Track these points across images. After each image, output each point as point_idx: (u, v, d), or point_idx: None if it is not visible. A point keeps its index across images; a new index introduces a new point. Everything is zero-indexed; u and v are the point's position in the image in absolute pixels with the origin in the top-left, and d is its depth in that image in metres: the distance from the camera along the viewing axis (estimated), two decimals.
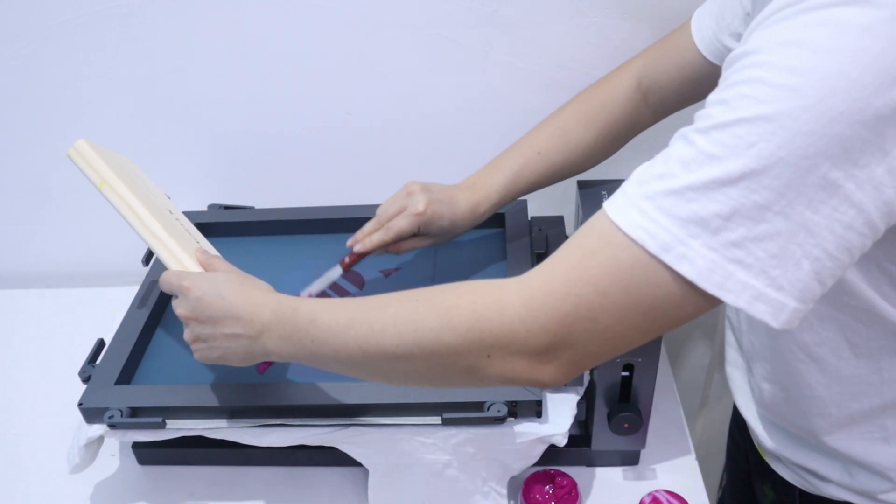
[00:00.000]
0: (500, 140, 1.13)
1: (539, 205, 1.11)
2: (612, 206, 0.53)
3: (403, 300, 0.61)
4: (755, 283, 0.48)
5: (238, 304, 0.68)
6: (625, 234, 0.51)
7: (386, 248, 0.89)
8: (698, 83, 0.84)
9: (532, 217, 1.04)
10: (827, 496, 0.77)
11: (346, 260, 0.89)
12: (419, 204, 0.86)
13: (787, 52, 0.47)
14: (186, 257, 0.77)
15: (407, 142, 1.16)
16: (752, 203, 0.47)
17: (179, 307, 0.72)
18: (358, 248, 0.88)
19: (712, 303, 0.50)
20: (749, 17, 0.76)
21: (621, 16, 1.02)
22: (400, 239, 0.88)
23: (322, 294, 0.90)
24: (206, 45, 1.07)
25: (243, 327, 0.67)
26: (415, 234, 0.88)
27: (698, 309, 0.51)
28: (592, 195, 0.96)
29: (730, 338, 0.88)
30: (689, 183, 0.49)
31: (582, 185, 0.98)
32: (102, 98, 1.12)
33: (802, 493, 0.80)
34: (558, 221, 1.03)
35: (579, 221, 0.97)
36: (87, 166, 0.82)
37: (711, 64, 0.82)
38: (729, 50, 0.79)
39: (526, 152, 0.90)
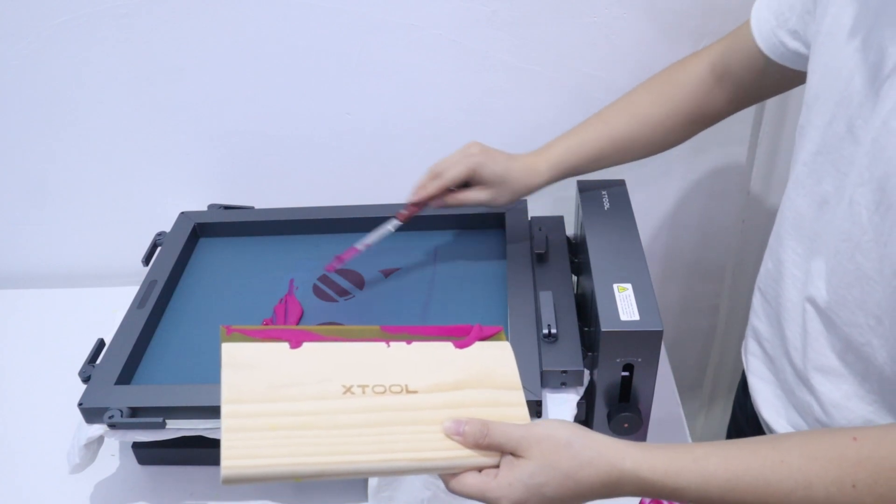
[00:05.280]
0: (500, 140, 1.13)
1: (539, 205, 1.11)
2: None
3: (833, 483, 0.54)
4: None
5: (583, 495, 0.59)
6: None
7: (442, 198, 0.88)
8: (763, 75, 0.82)
9: (532, 217, 1.04)
10: None
11: (404, 212, 0.90)
12: (472, 149, 0.87)
13: None
14: (457, 461, 0.61)
15: (407, 142, 1.16)
16: None
17: None
18: (413, 198, 0.88)
19: None
20: (810, 14, 0.73)
21: (622, 15, 1.02)
22: (455, 185, 0.87)
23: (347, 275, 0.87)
24: (205, 45, 1.07)
25: (592, 501, 0.61)
26: (469, 185, 0.87)
27: None
28: (592, 195, 0.96)
29: (754, 348, 0.85)
30: None
31: (582, 186, 0.98)
32: (102, 98, 1.12)
33: None
34: (558, 221, 1.03)
35: (579, 221, 0.97)
36: (259, 477, 0.58)
37: (769, 59, 0.79)
38: (785, 47, 0.77)
39: (592, 122, 0.90)
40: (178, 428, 0.83)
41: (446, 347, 0.70)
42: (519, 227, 1.01)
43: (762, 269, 0.82)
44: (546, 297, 0.87)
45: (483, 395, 0.66)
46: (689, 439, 0.93)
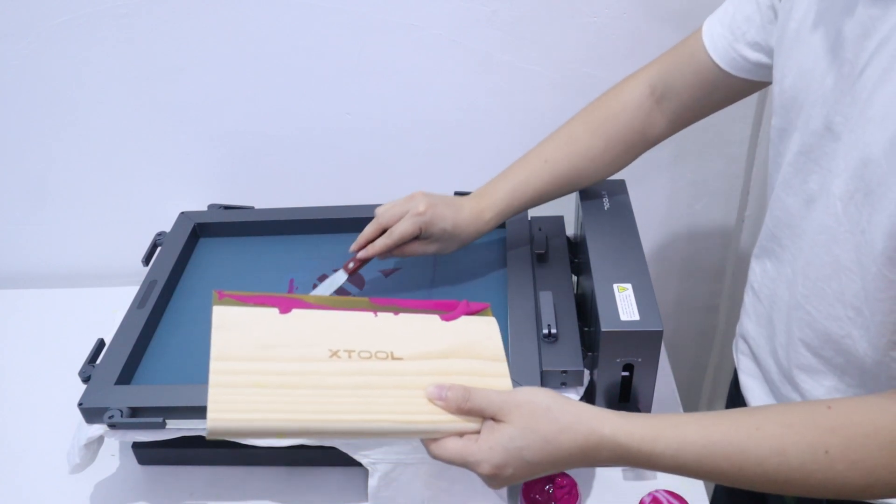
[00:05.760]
0: (499, 139, 1.14)
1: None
2: None
3: (807, 450, 0.55)
4: None
5: (561, 461, 0.60)
6: None
7: (390, 252, 0.88)
8: (714, 90, 0.82)
9: (532, 217, 1.04)
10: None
11: (350, 265, 0.91)
12: (420, 205, 0.86)
13: None
14: (439, 424, 0.62)
15: (407, 142, 1.16)
16: None
17: (489, 482, 0.62)
18: (362, 255, 0.89)
19: None
20: (771, 24, 0.74)
21: (622, 15, 1.02)
22: (403, 242, 0.87)
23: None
24: (205, 45, 1.07)
25: (574, 466, 0.62)
26: (418, 238, 0.87)
27: None
28: (592, 195, 0.96)
29: (744, 347, 0.86)
30: None
31: None
32: (102, 98, 1.12)
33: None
34: (558, 221, 1.03)
35: (579, 221, 0.97)
36: (243, 431, 0.60)
37: (727, 73, 0.79)
38: (746, 60, 0.77)
39: (533, 161, 0.90)
40: (178, 428, 0.83)
41: (433, 319, 0.71)
42: (519, 227, 1.01)
43: (757, 269, 0.82)
44: (546, 297, 0.87)
45: (467, 365, 0.66)
46: None
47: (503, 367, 0.67)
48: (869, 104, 0.58)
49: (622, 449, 0.59)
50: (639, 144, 0.89)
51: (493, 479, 0.61)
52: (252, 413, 0.59)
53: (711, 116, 0.92)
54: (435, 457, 0.62)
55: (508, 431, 0.60)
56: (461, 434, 0.62)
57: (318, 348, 0.64)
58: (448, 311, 0.72)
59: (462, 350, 0.68)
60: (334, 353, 0.64)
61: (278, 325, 0.66)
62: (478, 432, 0.62)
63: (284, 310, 0.67)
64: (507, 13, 1.03)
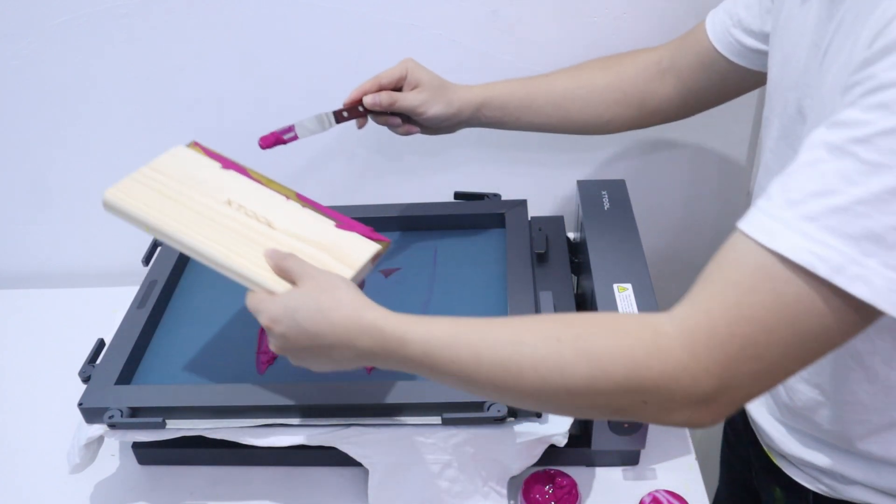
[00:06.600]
0: (499, 140, 1.13)
1: (539, 205, 1.12)
2: (764, 233, 0.50)
3: (541, 339, 0.57)
4: None
5: (326, 335, 0.63)
6: (788, 262, 0.48)
7: (378, 98, 0.89)
8: (713, 74, 0.84)
9: (532, 217, 1.04)
10: (847, 499, 0.75)
11: (340, 109, 0.93)
12: (407, 59, 0.91)
13: None
14: (254, 272, 0.71)
15: (407, 142, 1.15)
16: None
17: (270, 339, 0.68)
18: (348, 97, 0.91)
19: (873, 321, 0.49)
20: (769, 13, 0.75)
21: (621, 15, 1.02)
22: (390, 84, 0.89)
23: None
24: (205, 45, 1.07)
25: (341, 353, 0.64)
26: (408, 118, 0.90)
27: (861, 329, 0.50)
28: (592, 195, 0.96)
29: None
30: (857, 197, 0.46)
31: (582, 185, 0.98)
32: (102, 98, 1.12)
33: (817, 496, 0.78)
34: (558, 221, 1.03)
35: (579, 221, 0.97)
36: (124, 212, 0.75)
37: (725, 58, 0.82)
38: (741, 45, 0.79)
39: (534, 76, 0.93)
40: (178, 428, 0.83)
41: (327, 222, 0.80)
42: (519, 227, 1.01)
43: None
44: (546, 297, 0.87)
45: (320, 256, 0.75)
46: (689, 439, 0.93)
47: (349, 273, 0.74)
48: (824, 84, 0.59)
49: (378, 333, 0.62)
50: (637, 103, 0.90)
51: (270, 334, 0.67)
52: (140, 205, 0.74)
53: (711, 116, 0.92)
54: (247, 304, 0.69)
55: (294, 293, 0.67)
56: (272, 293, 0.69)
57: (221, 194, 0.78)
58: (345, 224, 0.80)
59: (327, 247, 0.76)
60: (228, 203, 0.78)
61: (210, 172, 0.81)
62: None
63: (224, 167, 0.82)
64: (507, 13, 1.03)
